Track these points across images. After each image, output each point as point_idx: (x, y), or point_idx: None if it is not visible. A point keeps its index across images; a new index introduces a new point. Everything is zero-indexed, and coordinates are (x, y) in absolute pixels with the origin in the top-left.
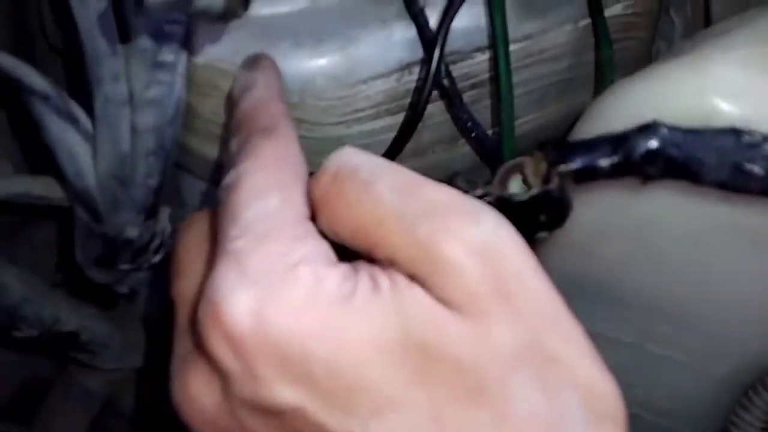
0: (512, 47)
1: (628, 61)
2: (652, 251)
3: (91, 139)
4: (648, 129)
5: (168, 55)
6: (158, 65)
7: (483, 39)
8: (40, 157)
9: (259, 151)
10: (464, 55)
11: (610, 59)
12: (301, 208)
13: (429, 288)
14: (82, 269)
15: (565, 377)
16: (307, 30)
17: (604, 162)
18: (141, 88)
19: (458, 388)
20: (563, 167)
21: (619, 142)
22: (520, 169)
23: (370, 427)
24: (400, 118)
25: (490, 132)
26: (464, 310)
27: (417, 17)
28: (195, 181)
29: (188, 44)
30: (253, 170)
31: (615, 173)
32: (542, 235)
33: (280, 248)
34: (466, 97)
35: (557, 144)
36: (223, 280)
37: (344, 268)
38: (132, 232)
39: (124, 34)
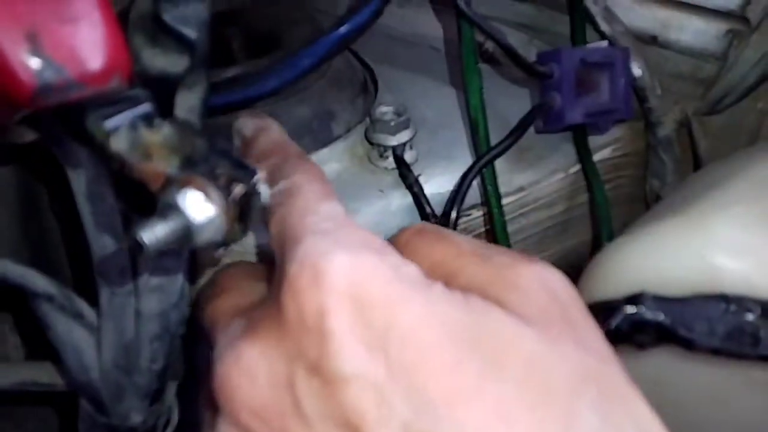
0: (507, 200)
1: (621, 198)
2: (664, 409)
3: (96, 331)
4: (634, 299)
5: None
6: (163, 252)
7: (477, 197)
8: (42, 347)
9: (305, 168)
10: (461, 213)
11: (604, 200)
12: None
13: (502, 305)
14: None
15: (625, 412)
16: None
17: None
18: (146, 276)
19: (528, 388)
20: None
21: (607, 312)
22: None
23: (440, 416)
24: None
25: None
26: (536, 323)
27: (412, 187)
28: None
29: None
30: (309, 181)
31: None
32: None
33: (364, 233)
34: None
35: None
36: (318, 246)
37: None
38: (136, 418)
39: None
